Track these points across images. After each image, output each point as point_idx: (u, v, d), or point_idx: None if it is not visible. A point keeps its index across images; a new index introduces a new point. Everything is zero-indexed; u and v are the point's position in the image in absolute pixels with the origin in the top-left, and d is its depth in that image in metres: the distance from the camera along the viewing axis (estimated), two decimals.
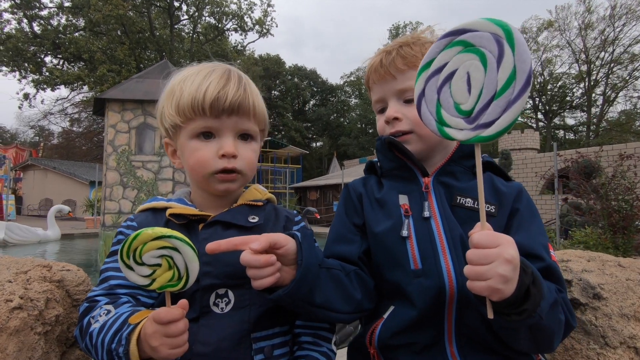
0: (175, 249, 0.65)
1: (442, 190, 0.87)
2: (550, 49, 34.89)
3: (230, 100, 0.82)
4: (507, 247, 0.60)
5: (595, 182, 6.91)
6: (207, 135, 0.84)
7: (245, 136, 0.88)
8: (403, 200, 0.88)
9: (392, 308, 0.85)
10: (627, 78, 31.24)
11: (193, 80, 0.84)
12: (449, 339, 0.78)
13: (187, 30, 34.97)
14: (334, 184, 22.52)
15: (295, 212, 1.02)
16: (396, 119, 0.90)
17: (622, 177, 6.42)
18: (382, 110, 0.96)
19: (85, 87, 30.15)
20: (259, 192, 0.98)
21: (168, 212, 0.85)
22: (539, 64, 35.42)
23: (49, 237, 11.10)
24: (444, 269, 0.79)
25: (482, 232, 0.62)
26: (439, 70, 0.66)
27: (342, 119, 49.26)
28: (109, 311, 0.73)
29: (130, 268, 0.66)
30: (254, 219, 0.88)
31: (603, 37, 30.86)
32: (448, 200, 0.86)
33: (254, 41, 51.15)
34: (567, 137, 37.04)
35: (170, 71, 0.93)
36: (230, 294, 0.79)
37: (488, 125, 0.61)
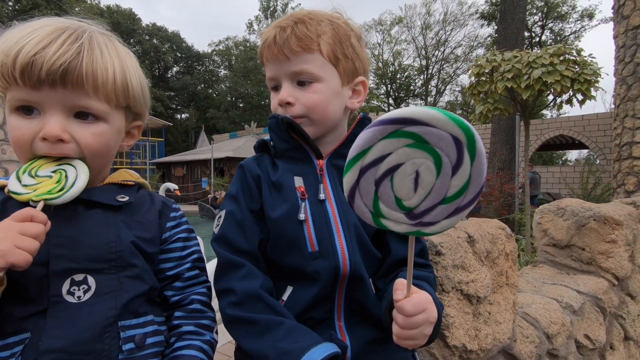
0: (72, 165, 0.68)
1: (335, 173, 0.88)
2: (400, 42, 40.13)
3: (48, 66, 0.63)
4: (430, 311, 0.68)
5: None
6: (26, 110, 0.67)
7: (83, 115, 0.70)
8: (298, 182, 0.87)
9: (290, 289, 0.84)
10: (452, 74, 38.66)
11: (12, 37, 0.65)
12: (338, 313, 0.83)
13: None
14: (202, 160, 21.31)
15: (172, 200, 0.92)
16: (289, 103, 0.86)
17: None
18: (276, 88, 0.90)
19: None
20: (129, 175, 0.85)
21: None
22: (391, 54, 40.41)
23: None
24: (338, 250, 0.82)
25: (410, 301, 0.66)
26: (379, 160, 0.56)
27: (210, 90, 46.31)
28: None
29: (19, 179, 0.67)
30: (123, 198, 0.77)
31: (437, 38, 37.15)
32: (341, 183, 0.89)
33: None
34: None
35: None
36: (90, 280, 0.68)
37: (431, 224, 0.58)
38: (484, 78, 6.00)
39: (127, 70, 0.75)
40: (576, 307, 1.62)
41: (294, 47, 0.83)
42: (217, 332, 0.85)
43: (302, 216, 0.83)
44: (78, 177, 0.67)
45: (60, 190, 0.65)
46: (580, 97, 5.40)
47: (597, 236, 1.97)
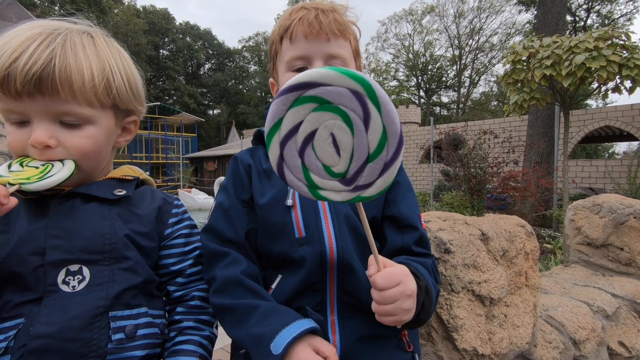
0: (62, 162, 0.70)
1: None
2: (432, 32, 38.86)
3: (22, 78, 0.64)
4: (406, 283, 0.65)
5: (460, 153, 8.15)
6: (18, 120, 0.71)
7: (68, 120, 0.71)
8: None
9: (279, 277, 0.83)
10: (487, 64, 36.99)
11: None
12: (330, 305, 0.80)
13: None
14: (233, 154, 21.78)
15: (174, 197, 0.93)
16: None
17: (480, 149, 7.71)
18: (300, 69, 0.86)
19: None
20: (132, 170, 0.88)
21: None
22: (422, 45, 39.25)
23: (206, 205, 12.70)
24: (325, 235, 0.80)
25: (381, 274, 0.64)
26: (294, 130, 0.55)
27: (240, 86, 47.19)
28: None
29: (9, 166, 0.69)
30: (120, 192, 0.79)
31: (471, 26, 35.62)
32: None
33: None
34: (442, 113, 42.54)
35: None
36: (85, 270, 0.70)
37: (367, 186, 0.57)
38: (519, 66, 5.67)
39: (107, 69, 0.73)
40: (609, 312, 1.49)
41: (335, 30, 0.84)
42: (217, 327, 0.86)
43: (289, 202, 0.82)
44: (60, 171, 0.69)
45: (39, 179, 0.67)
46: (629, 84, 4.98)
47: (638, 235, 1.81)
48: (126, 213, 0.79)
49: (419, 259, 0.82)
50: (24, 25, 0.71)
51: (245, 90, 46.72)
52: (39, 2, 26.40)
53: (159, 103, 26.34)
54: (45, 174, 0.68)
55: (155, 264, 0.83)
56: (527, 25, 30.30)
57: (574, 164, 12.31)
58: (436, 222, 1.10)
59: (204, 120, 34.18)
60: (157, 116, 26.04)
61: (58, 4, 28.02)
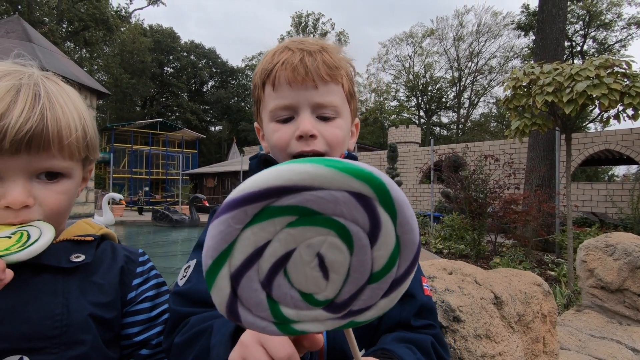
0: (34, 225, 0.62)
1: None
2: (432, 54, 39.58)
3: (12, 135, 0.58)
4: None
5: (461, 175, 8.08)
6: None
7: (51, 175, 0.65)
8: None
9: None
10: (486, 86, 37.50)
11: None
12: None
13: None
14: (233, 171, 21.73)
15: (140, 250, 0.82)
16: (313, 136, 0.74)
17: (481, 172, 7.66)
18: (287, 120, 0.77)
19: None
20: (90, 227, 0.76)
21: None
22: (422, 67, 39.94)
23: (100, 221, 11.59)
24: None
25: None
26: (256, 256, 0.38)
27: (243, 104, 47.69)
28: None
29: None
30: (78, 258, 0.68)
31: (470, 49, 36.34)
32: None
33: (141, 8, 43.59)
34: (442, 133, 42.80)
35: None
36: None
37: (365, 310, 0.43)
38: (520, 91, 5.66)
39: (84, 119, 0.69)
40: None
41: (324, 75, 0.73)
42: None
43: None
44: (43, 234, 0.61)
45: (22, 246, 0.58)
46: (630, 112, 4.95)
47: None
48: (85, 283, 0.67)
49: (417, 335, 0.70)
50: None
51: (247, 108, 47.13)
52: (47, 19, 26.96)
53: (161, 119, 26.53)
54: (26, 241, 0.59)
55: (117, 334, 0.71)
56: (525, 49, 30.89)
57: (575, 187, 12.23)
58: (442, 279, 0.99)
59: (205, 136, 34.34)
60: (158, 132, 26.17)
61: (66, 22, 28.62)
